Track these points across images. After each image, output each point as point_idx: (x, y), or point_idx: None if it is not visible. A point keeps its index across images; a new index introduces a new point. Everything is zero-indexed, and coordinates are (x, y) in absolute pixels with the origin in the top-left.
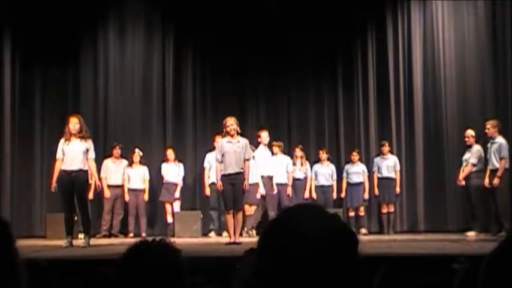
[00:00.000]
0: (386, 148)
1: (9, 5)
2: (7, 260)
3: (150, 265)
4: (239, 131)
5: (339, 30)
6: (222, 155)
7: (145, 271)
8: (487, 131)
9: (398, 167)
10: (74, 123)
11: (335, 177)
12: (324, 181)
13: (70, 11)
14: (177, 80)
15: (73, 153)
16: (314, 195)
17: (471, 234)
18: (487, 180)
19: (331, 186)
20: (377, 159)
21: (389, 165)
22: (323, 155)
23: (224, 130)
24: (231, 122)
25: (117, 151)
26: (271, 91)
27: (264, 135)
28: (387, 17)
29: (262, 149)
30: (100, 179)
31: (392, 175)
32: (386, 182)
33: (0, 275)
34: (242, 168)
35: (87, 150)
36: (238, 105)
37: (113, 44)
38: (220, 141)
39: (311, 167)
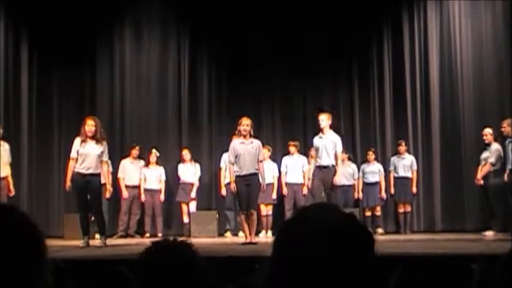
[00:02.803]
0: (403, 147)
1: (26, 6)
2: (39, 270)
3: (168, 264)
4: (252, 133)
5: (355, 30)
6: (236, 157)
7: (164, 270)
8: (503, 129)
9: (415, 167)
10: (90, 126)
11: (356, 176)
12: (344, 181)
13: (86, 13)
14: (192, 80)
15: (88, 156)
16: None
17: (489, 234)
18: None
19: (352, 186)
20: (394, 159)
21: (406, 164)
22: (344, 155)
23: (237, 129)
24: (247, 123)
25: (136, 151)
26: (286, 92)
27: (321, 118)
28: (403, 17)
29: (321, 136)
30: (118, 179)
31: (409, 175)
32: (402, 182)
33: (30, 279)
34: (257, 169)
35: (102, 153)
36: (253, 105)
37: (129, 46)
38: (233, 143)
39: None
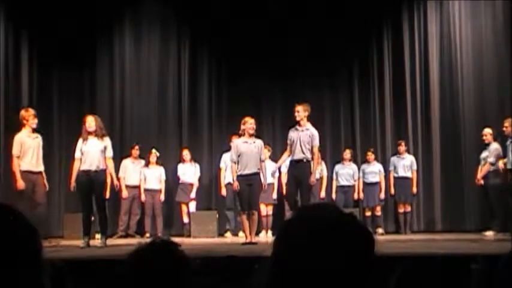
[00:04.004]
0: (402, 148)
1: (27, 7)
2: (33, 271)
3: (156, 265)
4: (255, 133)
5: (355, 30)
6: (239, 156)
7: (151, 271)
8: (504, 129)
9: (415, 167)
10: (89, 122)
11: (356, 177)
12: (344, 181)
13: (86, 13)
14: (192, 80)
15: (91, 153)
16: (334, 195)
17: (489, 234)
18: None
19: (352, 187)
20: (393, 159)
21: (405, 164)
22: (347, 155)
23: (243, 129)
24: (252, 121)
25: (135, 151)
26: (286, 92)
27: (297, 110)
28: (403, 17)
29: (297, 128)
30: (118, 178)
31: (409, 175)
32: (402, 182)
33: (26, 278)
34: (259, 169)
35: (105, 149)
36: (253, 105)
37: (129, 46)
38: (235, 142)
39: (332, 168)
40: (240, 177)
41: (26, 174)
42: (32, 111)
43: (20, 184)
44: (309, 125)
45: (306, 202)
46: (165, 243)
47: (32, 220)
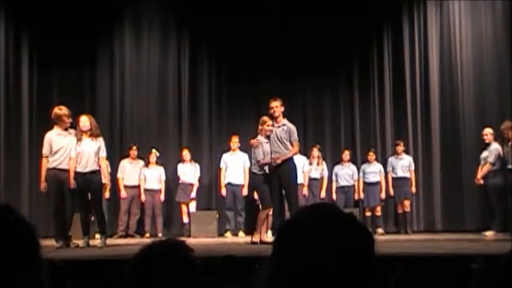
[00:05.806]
0: (400, 148)
1: (27, 7)
2: (32, 270)
3: (163, 265)
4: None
5: (355, 30)
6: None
7: (156, 270)
8: (504, 135)
9: (412, 167)
10: (83, 121)
11: (356, 177)
12: (344, 182)
13: (86, 13)
14: (192, 80)
15: (86, 154)
16: (334, 196)
17: (489, 233)
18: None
19: (352, 187)
20: (391, 159)
21: (404, 165)
22: (346, 156)
23: (261, 129)
24: (270, 122)
25: (133, 152)
26: (287, 92)
27: (274, 105)
28: (403, 17)
29: (273, 124)
30: (117, 179)
31: (407, 175)
32: (401, 181)
33: (23, 278)
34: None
35: (99, 150)
36: (253, 106)
37: (129, 46)
38: (260, 140)
39: (332, 168)
40: (263, 176)
41: (54, 171)
42: (66, 110)
43: (43, 186)
44: (285, 121)
45: (295, 200)
46: (175, 243)
47: (57, 220)
